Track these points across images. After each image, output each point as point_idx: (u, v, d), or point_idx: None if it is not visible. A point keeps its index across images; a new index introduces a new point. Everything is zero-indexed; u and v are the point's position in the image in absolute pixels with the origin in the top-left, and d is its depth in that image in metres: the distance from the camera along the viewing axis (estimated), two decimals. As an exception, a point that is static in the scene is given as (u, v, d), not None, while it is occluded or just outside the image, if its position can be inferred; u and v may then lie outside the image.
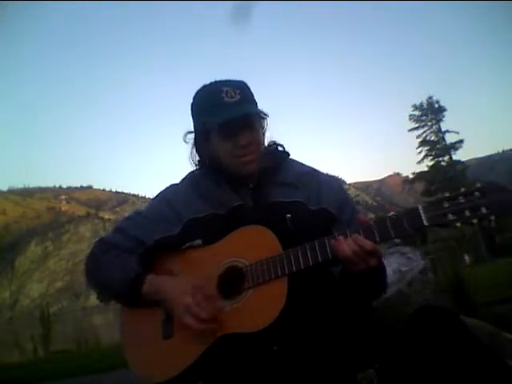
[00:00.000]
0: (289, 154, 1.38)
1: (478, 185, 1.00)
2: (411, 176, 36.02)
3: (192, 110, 1.34)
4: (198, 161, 1.37)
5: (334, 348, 1.11)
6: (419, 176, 34.22)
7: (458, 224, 1.01)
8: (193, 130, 1.35)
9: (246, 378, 1.10)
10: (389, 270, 3.04)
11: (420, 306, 1.11)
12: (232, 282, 1.18)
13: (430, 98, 34.73)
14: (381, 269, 1.19)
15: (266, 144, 1.36)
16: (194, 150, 1.36)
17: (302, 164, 1.38)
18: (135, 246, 1.31)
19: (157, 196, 1.40)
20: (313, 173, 1.35)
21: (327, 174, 1.39)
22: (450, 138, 33.93)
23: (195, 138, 1.35)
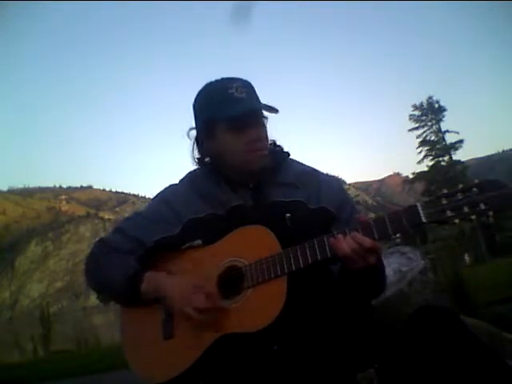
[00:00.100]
0: (289, 154, 1.38)
1: (476, 181, 1.00)
2: (411, 176, 36.06)
3: (196, 105, 1.34)
4: (198, 159, 1.36)
5: (334, 348, 1.11)
6: (419, 176, 34.24)
7: (457, 220, 1.01)
8: (195, 125, 1.35)
9: (247, 378, 1.10)
10: (389, 270, 3.05)
11: (420, 306, 1.11)
12: (232, 282, 1.18)
13: (430, 98, 34.81)
14: (380, 266, 1.20)
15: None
16: (195, 148, 1.36)
17: (302, 164, 1.38)
18: (135, 247, 1.31)
19: (156, 196, 1.40)
20: (313, 173, 1.35)
21: (327, 174, 1.39)
22: (450, 138, 34.01)
23: (197, 135, 1.34)
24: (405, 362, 1.02)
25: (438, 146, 34.02)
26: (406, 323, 1.08)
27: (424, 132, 34.68)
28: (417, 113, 34.91)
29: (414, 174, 35.19)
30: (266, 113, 1.30)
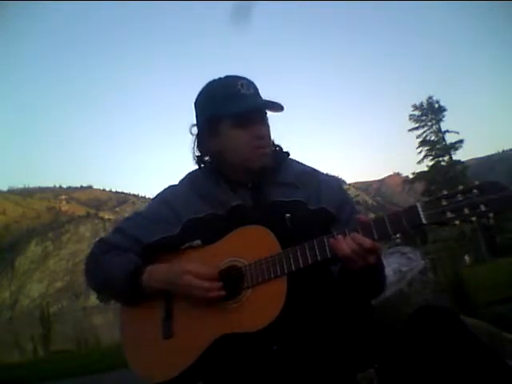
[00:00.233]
0: (289, 154, 1.38)
1: (477, 183, 1.00)
2: (411, 176, 36.10)
3: (199, 102, 1.33)
4: (198, 157, 1.36)
5: (333, 348, 1.11)
6: (419, 176, 34.26)
7: (457, 222, 1.01)
8: (196, 123, 1.34)
9: (246, 377, 1.10)
10: (389, 270, 3.05)
11: (420, 306, 1.10)
12: (231, 282, 1.18)
13: (430, 98, 34.85)
14: (379, 266, 1.20)
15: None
16: (196, 146, 1.35)
17: (302, 164, 1.38)
18: (135, 246, 1.31)
19: (156, 197, 1.40)
20: (312, 173, 1.35)
21: (327, 174, 1.39)
22: (450, 138, 34.04)
23: (199, 133, 1.34)
24: (405, 361, 1.02)
25: (437, 146, 34.04)
26: (406, 323, 1.08)
27: (424, 132, 34.73)
28: (417, 113, 34.96)
29: (413, 174, 35.23)
30: (269, 112, 1.30)
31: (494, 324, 2.63)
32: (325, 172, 1.40)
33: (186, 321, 1.21)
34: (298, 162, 1.38)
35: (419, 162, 34.64)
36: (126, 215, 1.48)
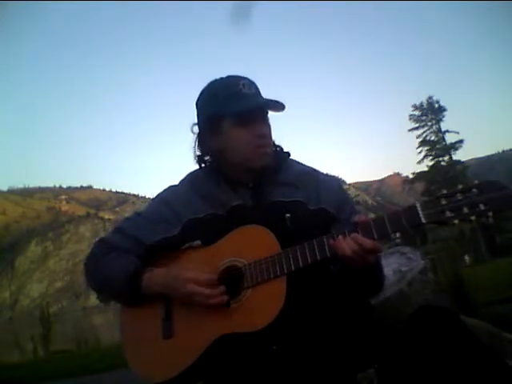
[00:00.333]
0: (289, 154, 1.38)
1: (476, 182, 1.00)
2: (411, 176, 36.08)
3: (201, 102, 1.33)
4: (199, 156, 1.36)
5: (333, 348, 1.11)
6: (419, 176, 34.25)
7: (456, 221, 1.00)
8: (197, 122, 1.34)
9: (246, 377, 1.10)
10: (389, 270, 3.05)
11: (420, 306, 1.10)
12: (231, 282, 1.18)
13: (430, 98, 34.83)
14: (378, 265, 1.21)
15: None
16: (197, 145, 1.35)
17: (302, 164, 1.38)
18: (135, 246, 1.31)
19: (156, 197, 1.40)
20: (312, 173, 1.35)
21: (327, 174, 1.39)
22: (450, 138, 34.02)
23: (200, 132, 1.34)
24: (405, 361, 1.02)
25: (438, 146, 34.03)
26: (406, 323, 1.08)
27: (424, 132, 34.71)
28: (417, 113, 34.95)
29: (414, 174, 35.22)
30: (270, 112, 1.30)
31: (494, 324, 2.63)
32: (325, 172, 1.40)
33: (185, 321, 1.20)
34: (299, 163, 1.38)
35: (419, 162, 34.69)
36: (126, 215, 1.48)
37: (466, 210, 0.99)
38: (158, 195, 1.39)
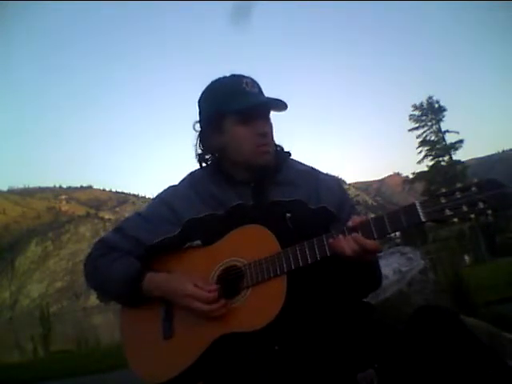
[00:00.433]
0: (290, 154, 1.38)
1: (475, 180, 1.00)
2: (411, 176, 36.02)
3: (203, 100, 1.33)
4: (199, 155, 1.36)
5: (334, 347, 1.10)
6: (419, 176, 34.21)
7: (456, 219, 1.00)
8: (199, 120, 1.34)
9: (247, 377, 1.10)
10: (389, 270, 3.05)
11: (420, 306, 1.10)
12: (231, 282, 1.18)
13: (430, 98, 34.78)
14: (376, 262, 1.26)
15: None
16: (198, 143, 1.35)
17: (302, 163, 1.39)
18: (134, 247, 1.31)
19: (156, 197, 1.39)
20: (312, 172, 1.35)
21: (327, 174, 1.39)
22: (450, 138, 33.99)
23: (202, 130, 1.34)
24: (405, 362, 1.02)
25: (438, 146, 34.00)
26: (406, 323, 1.08)
27: (424, 132, 34.68)
28: (417, 113, 34.91)
29: (414, 174, 35.17)
30: (273, 112, 1.31)
31: (493, 324, 2.63)
32: (324, 172, 1.40)
33: (185, 321, 1.20)
34: (299, 162, 1.38)
35: (419, 162, 34.65)
36: (126, 215, 1.48)
37: (465, 208, 0.99)
38: (158, 195, 1.39)
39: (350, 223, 1.10)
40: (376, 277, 1.29)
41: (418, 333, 1.03)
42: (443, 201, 1.01)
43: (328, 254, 1.10)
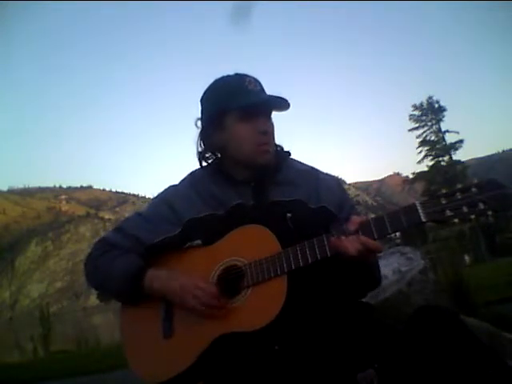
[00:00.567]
0: (290, 154, 1.38)
1: (475, 181, 1.00)
2: (411, 176, 36.01)
3: (205, 98, 1.34)
4: (200, 153, 1.35)
5: (334, 347, 1.10)
6: (419, 176, 34.19)
7: (456, 220, 1.00)
8: (201, 118, 1.34)
9: (247, 377, 1.10)
10: (389, 270, 3.04)
11: (420, 306, 1.10)
12: (231, 281, 1.18)
13: (430, 98, 34.74)
14: (375, 261, 1.27)
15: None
16: (199, 141, 1.35)
17: (302, 163, 1.38)
18: (135, 246, 1.30)
19: (156, 197, 1.39)
20: (312, 171, 1.35)
21: (327, 173, 1.39)
22: (450, 138, 33.97)
23: (203, 128, 1.34)
24: (405, 362, 1.02)
25: (438, 146, 33.98)
26: (406, 323, 1.08)
27: (424, 132, 34.65)
28: (417, 113, 34.88)
29: (414, 174, 35.15)
30: (274, 112, 1.31)
31: (493, 324, 2.63)
32: (324, 171, 1.40)
33: (185, 320, 1.20)
34: (298, 162, 1.38)
35: (419, 162, 34.61)
36: (126, 215, 1.48)
37: (465, 209, 0.99)
38: (159, 195, 1.39)
39: (350, 223, 1.10)
40: (375, 276, 1.29)
41: (418, 333, 1.03)
42: (444, 201, 1.01)
43: (328, 254, 1.10)
